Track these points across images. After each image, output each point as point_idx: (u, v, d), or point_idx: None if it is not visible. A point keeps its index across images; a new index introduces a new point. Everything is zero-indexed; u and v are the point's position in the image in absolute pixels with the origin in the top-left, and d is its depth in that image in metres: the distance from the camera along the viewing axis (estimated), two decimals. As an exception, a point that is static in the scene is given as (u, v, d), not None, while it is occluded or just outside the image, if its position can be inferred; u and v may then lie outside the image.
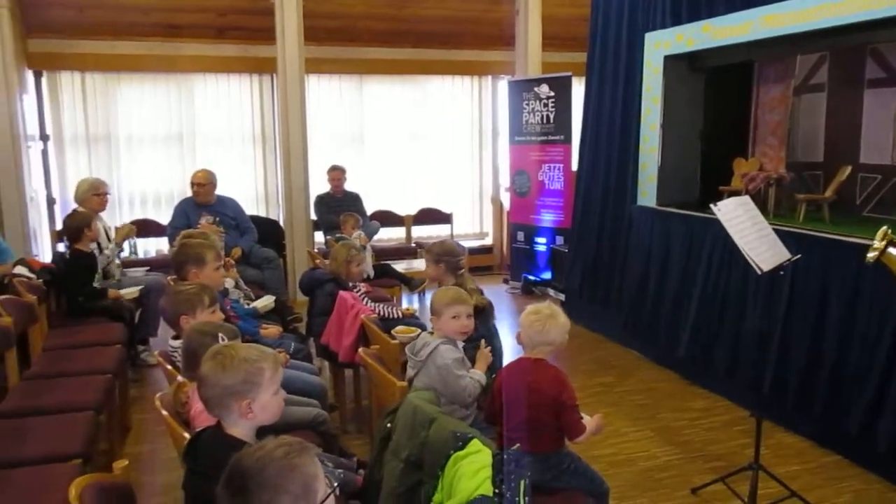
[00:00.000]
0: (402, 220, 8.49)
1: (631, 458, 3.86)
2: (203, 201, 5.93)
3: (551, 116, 7.37)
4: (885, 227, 2.82)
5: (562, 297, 6.96)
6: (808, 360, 3.99)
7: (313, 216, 7.36)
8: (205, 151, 7.76)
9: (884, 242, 2.79)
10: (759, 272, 3.06)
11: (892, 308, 3.47)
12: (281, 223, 7.65)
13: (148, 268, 5.90)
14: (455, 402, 2.62)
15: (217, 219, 5.79)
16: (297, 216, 7.33)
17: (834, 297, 3.85)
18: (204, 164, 6.89)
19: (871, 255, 2.80)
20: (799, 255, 3.29)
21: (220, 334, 2.43)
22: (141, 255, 7.25)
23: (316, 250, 6.67)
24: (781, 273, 3.19)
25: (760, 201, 5.00)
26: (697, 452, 3.91)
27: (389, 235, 8.38)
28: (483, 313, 3.52)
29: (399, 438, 2.25)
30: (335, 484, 1.51)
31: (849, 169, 4.88)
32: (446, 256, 3.73)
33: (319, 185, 7.34)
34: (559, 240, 7.44)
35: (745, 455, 3.45)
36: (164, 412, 2.42)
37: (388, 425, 2.40)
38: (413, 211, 8.55)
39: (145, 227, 7.35)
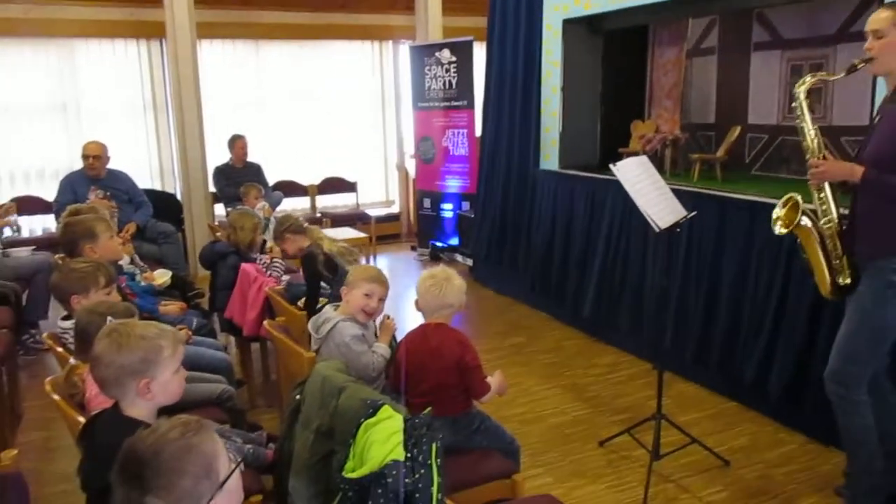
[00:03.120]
0: (306, 190, 8.33)
1: (541, 415, 3.95)
2: (94, 175, 5.61)
3: (454, 82, 7.34)
4: (792, 195, 2.83)
5: (469, 262, 7.02)
6: (705, 313, 4.17)
7: (212, 188, 7.10)
8: (91, 122, 7.32)
9: (784, 210, 2.82)
10: (656, 230, 3.15)
11: (780, 261, 3.65)
12: (178, 196, 7.34)
13: (34, 247, 5.54)
14: (360, 378, 2.59)
15: (108, 193, 5.50)
16: (194, 189, 7.06)
17: (727, 252, 4.02)
18: (91, 135, 6.50)
19: (779, 230, 2.81)
20: (694, 212, 3.40)
21: (108, 316, 2.30)
22: (26, 234, 6.81)
23: (216, 223, 6.45)
24: (678, 230, 3.29)
25: (657, 161, 5.16)
26: (605, 406, 4.04)
27: (293, 206, 8.20)
28: (331, 262, 3.58)
29: (309, 409, 2.20)
30: (239, 459, 1.46)
31: (738, 129, 5.09)
32: (283, 228, 4.08)
33: (217, 155, 7.08)
34: (465, 205, 7.48)
35: (650, 406, 3.58)
36: (56, 397, 2.28)
37: (298, 397, 2.35)
38: (317, 180, 8.39)
39: (29, 204, 6.91)
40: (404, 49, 8.43)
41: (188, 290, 4.57)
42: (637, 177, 3.21)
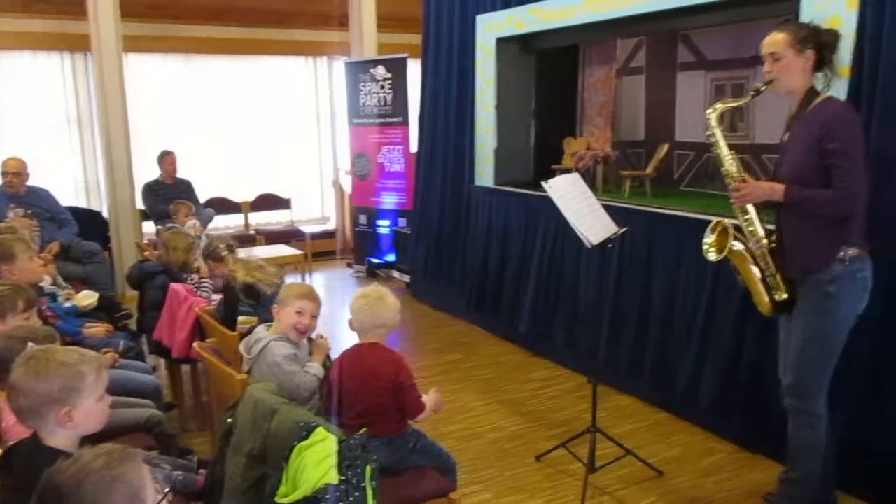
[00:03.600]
0: (239, 207, 8.18)
1: (479, 431, 3.95)
2: (13, 192, 5.39)
3: (389, 98, 7.35)
4: (720, 220, 2.88)
5: (406, 278, 7.00)
6: (637, 326, 4.26)
7: (140, 205, 6.91)
8: (12, 137, 7.01)
9: (714, 235, 2.86)
10: (589, 245, 3.20)
11: (707, 275, 3.76)
12: (105, 214, 7.11)
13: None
14: (293, 399, 2.54)
15: (29, 211, 5.29)
16: (121, 206, 6.85)
17: (658, 266, 4.12)
18: (12, 151, 6.23)
19: (714, 256, 2.85)
20: (626, 228, 3.47)
21: (30, 342, 2.20)
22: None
23: (146, 241, 6.28)
24: (610, 246, 3.35)
25: (589, 178, 5.27)
26: (542, 421, 4.07)
27: (226, 223, 8.04)
28: (251, 290, 3.51)
29: (241, 433, 2.15)
30: (167, 488, 1.41)
31: (667, 146, 5.24)
32: (206, 255, 4.15)
33: (146, 171, 6.89)
34: (402, 222, 7.47)
35: (586, 420, 3.63)
36: (-31, 427, 2.16)
37: (229, 420, 2.29)
38: (250, 197, 8.26)
39: (-57, 224, 6.57)
40: (339, 65, 8.39)
41: (116, 312, 4.42)
42: (569, 194, 3.26)
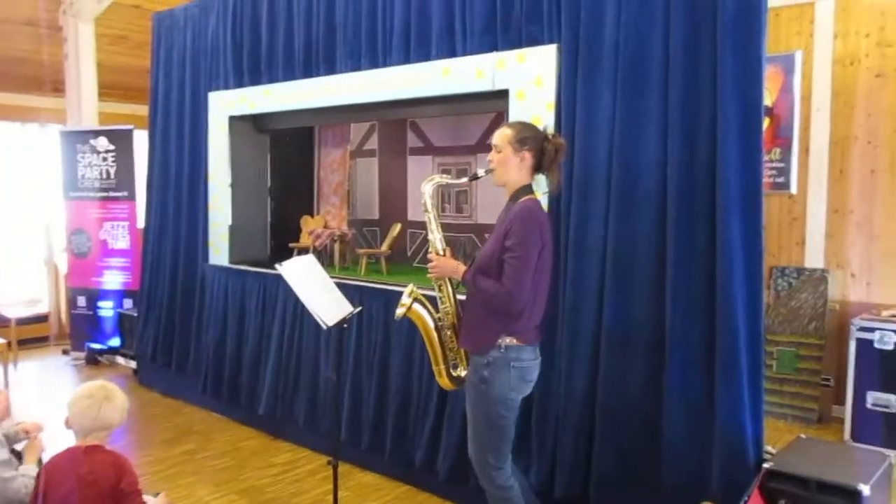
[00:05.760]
0: (-77, 291, 7.04)
1: (215, 527, 3.73)
2: None
3: (112, 171, 6.89)
4: (411, 285, 3.07)
5: (133, 364, 6.47)
6: (377, 402, 4.32)
7: None
8: None
9: (411, 299, 3.02)
10: (325, 327, 3.23)
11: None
12: None
13: None
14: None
15: None
16: None
17: (395, 342, 4.24)
18: None
19: (399, 311, 3.00)
20: (360, 308, 3.56)
21: None
22: None
23: None
24: (345, 326, 3.41)
25: (327, 256, 5.36)
26: (282, 507, 3.95)
27: None
28: None
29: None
30: None
31: (399, 226, 5.50)
32: None
33: None
34: (128, 303, 6.94)
35: (329, 502, 3.58)
36: None
37: None
38: (-62, 279, 7.15)
39: None
40: (53, 133, 7.67)
41: None
42: (303, 276, 3.28)
